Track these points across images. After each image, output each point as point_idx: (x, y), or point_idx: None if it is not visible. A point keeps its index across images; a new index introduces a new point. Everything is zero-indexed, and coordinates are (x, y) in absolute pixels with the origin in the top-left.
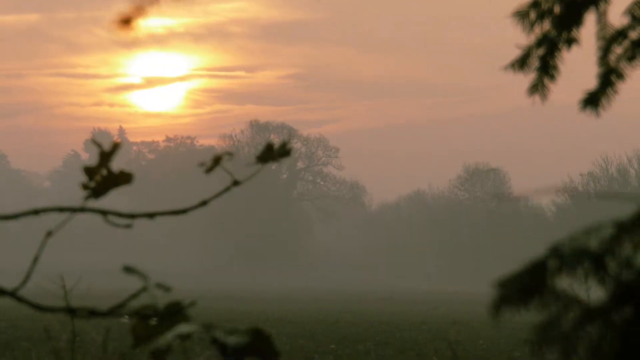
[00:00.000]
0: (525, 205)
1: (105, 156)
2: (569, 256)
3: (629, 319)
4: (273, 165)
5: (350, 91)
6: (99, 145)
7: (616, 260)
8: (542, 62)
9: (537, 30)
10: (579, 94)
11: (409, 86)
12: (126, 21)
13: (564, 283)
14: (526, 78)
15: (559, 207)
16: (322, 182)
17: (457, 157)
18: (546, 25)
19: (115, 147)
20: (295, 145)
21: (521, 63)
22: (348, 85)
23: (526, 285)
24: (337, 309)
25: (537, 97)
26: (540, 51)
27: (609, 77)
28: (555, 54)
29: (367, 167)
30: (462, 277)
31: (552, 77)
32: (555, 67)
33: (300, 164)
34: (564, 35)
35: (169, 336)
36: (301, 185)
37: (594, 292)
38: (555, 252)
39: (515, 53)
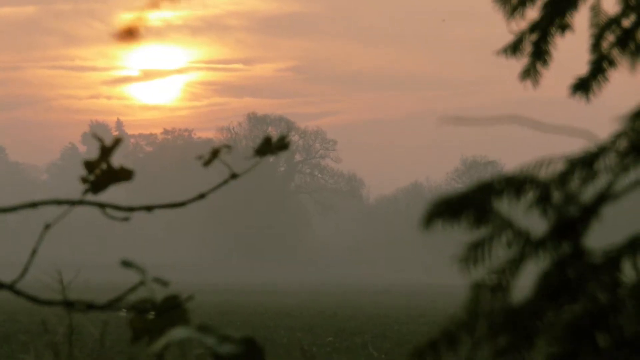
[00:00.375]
0: None
1: (106, 151)
2: (515, 181)
3: (566, 254)
4: (271, 158)
5: (348, 84)
6: (100, 139)
7: (562, 192)
8: (534, 47)
9: (518, 17)
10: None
11: (407, 79)
12: (129, 32)
13: (504, 208)
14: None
15: None
16: (319, 175)
17: (455, 149)
18: (533, 11)
19: (117, 142)
20: (293, 138)
21: (513, 48)
22: (346, 78)
23: (465, 201)
24: (335, 302)
25: (528, 83)
26: (533, 37)
27: (600, 64)
28: (548, 39)
29: (364, 159)
30: (460, 270)
31: (544, 63)
32: (548, 53)
33: (298, 157)
34: (557, 21)
35: (162, 341)
36: (299, 178)
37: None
38: (504, 175)
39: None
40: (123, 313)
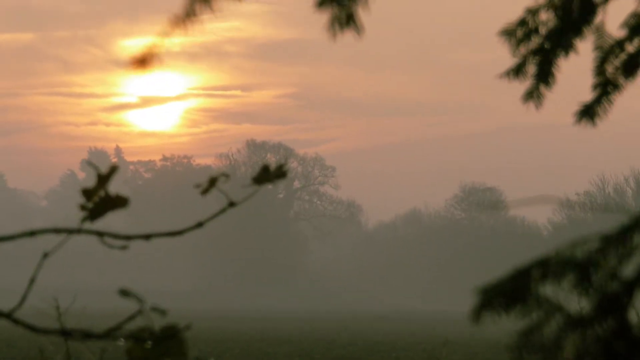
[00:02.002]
0: (521, 224)
1: (103, 179)
2: (554, 265)
3: (612, 330)
4: (270, 185)
5: (347, 110)
6: (95, 167)
7: (600, 271)
8: (538, 68)
9: (523, 50)
10: (574, 111)
11: (406, 105)
12: (141, 61)
13: (548, 292)
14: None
15: (555, 226)
16: (318, 202)
17: (454, 176)
18: (534, 42)
19: (113, 170)
20: (292, 164)
21: (516, 71)
22: (344, 104)
23: (509, 291)
24: (334, 328)
25: (529, 107)
26: (537, 58)
27: (605, 88)
28: (552, 61)
29: (363, 186)
30: (459, 297)
31: (547, 84)
32: (551, 74)
33: (296, 184)
34: (563, 42)
35: None
36: (298, 205)
37: (576, 304)
38: (540, 260)
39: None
40: (121, 342)
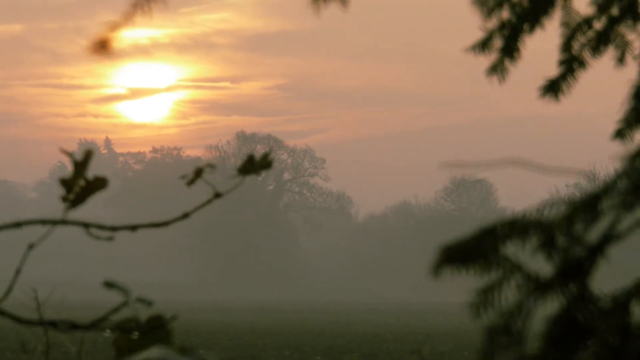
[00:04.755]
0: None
1: (80, 166)
2: (519, 225)
3: (574, 295)
4: (260, 177)
5: (336, 102)
6: (71, 155)
7: (567, 235)
8: (504, 43)
9: (495, 19)
10: (565, 105)
11: (396, 96)
12: (102, 44)
13: (511, 253)
14: (514, 87)
15: None
16: (308, 194)
17: (444, 168)
18: (506, 13)
19: (88, 155)
20: (282, 156)
21: (483, 45)
22: (334, 95)
23: (471, 248)
24: (324, 320)
25: (495, 78)
26: (503, 33)
27: (570, 65)
28: (518, 36)
29: (353, 178)
30: (449, 289)
31: (512, 59)
32: (517, 50)
33: (286, 175)
34: (529, 19)
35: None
36: (288, 197)
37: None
38: (506, 220)
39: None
40: (107, 333)
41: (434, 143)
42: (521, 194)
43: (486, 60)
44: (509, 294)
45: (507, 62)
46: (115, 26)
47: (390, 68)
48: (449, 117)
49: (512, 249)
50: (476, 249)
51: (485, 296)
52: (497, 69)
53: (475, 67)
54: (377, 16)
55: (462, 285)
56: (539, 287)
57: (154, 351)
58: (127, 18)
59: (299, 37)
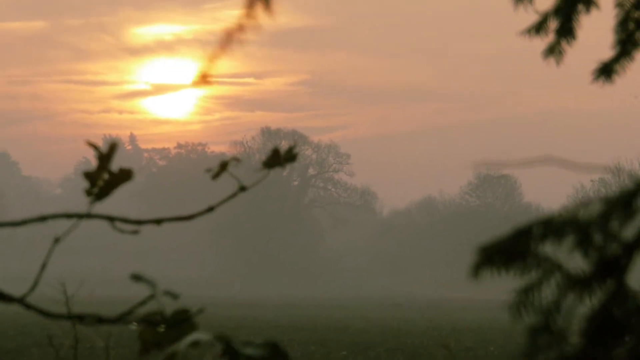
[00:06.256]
0: (536, 211)
1: (104, 158)
2: (555, 225)
3: (611, 292)
4: (284, 172)
5: (361, 97)
6: (95, 146)
7: (602, 233)
8: (560, 23)
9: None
10: (588, 98)
11: (420, 92)
12: (204, 77)
13: (549, 252)
14: (537, 84)
15: None
16: (333, 189)
17: (468, 163)
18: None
19: (113, 148)
20: (306, 152)
21: (538, 28)
22: (358, 91)
23: (509, 249)
24: (348, 316)
25: (552, 60)
26: (559, 15)
27: (625, 46)
28: (573, 17)
29: (378, 173)
30: (474, 284)
31: (572, 38)
32: (573, 30)
33: (311, 171)
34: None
35: (182, 344)
36: (312, 192)
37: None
38: (542, 220)
39: (523, 58)
40: (133, 326)
41: (458, 139)
42: (546, 189)
43: (513, 56)
44: (549, 293)
45: (563, 43)
46: (213, 58)
47: (415, 63)
48: (473, 113)
49: (548, 249)
50: (514, 249)
51: (526, 296)
52: (554, 50)
53: (500, 63)
54: (402, 13)
55: (487, 282)
56: (577, 285)
57: (201, 334)
58: (224, 49)
59: (322, 33)
